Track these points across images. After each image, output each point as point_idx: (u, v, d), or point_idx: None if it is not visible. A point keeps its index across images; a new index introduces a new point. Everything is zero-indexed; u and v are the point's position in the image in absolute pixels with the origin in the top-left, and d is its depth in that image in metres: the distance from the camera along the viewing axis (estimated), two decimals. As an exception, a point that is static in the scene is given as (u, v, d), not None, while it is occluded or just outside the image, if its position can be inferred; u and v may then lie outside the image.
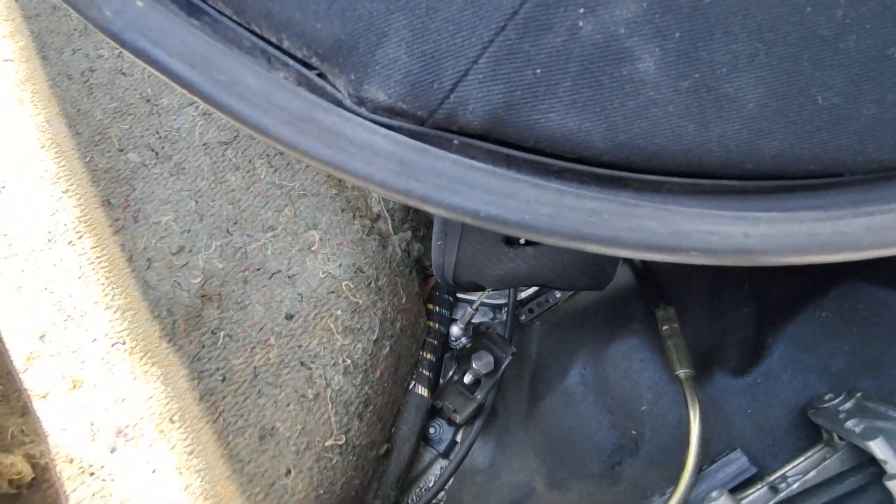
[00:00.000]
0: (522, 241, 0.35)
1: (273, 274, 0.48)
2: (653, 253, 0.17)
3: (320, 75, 0.17)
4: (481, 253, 0.36)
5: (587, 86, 0.16)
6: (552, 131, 0.16)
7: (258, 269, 0.48)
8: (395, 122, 0.17)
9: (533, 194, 0.17)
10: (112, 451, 0.43)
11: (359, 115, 0.17)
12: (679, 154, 0.17)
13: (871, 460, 0.29)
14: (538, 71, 0.15)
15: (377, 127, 0.17)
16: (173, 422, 0.44)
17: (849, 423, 0.32)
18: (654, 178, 0.18)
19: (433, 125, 0.17)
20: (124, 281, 0.48)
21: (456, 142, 0.17)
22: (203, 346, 0.46)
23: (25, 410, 0.42)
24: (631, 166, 0.17)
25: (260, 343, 0.46)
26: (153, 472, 0.43)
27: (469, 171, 0.17)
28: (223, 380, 0.45)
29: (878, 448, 0.26)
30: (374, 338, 0.50)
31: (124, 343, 0.46)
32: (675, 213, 0.18)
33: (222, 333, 0.46)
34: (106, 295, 0.47)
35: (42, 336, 0.45)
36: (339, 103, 0.17)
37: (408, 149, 0.16)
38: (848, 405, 0.35)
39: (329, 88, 0.17)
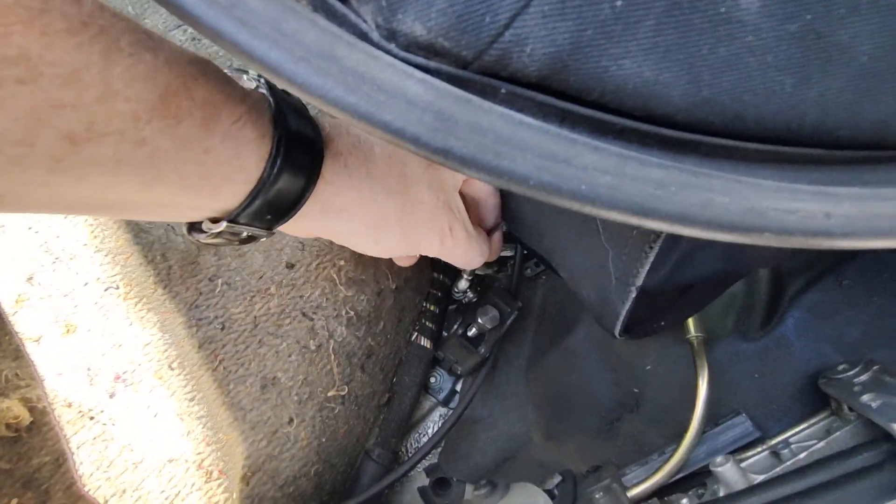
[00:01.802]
0: None
1: (272, 220, 0.46)
2: (722, 233, 0.15)
3: (342, 0, 0.14)
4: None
5: (674, 25, 0.13)
6: (623, 82, 0.14)
7: (256, 215, 0.46)
8: (433, 64, 0.14)
9: (591, 160, 0.14)
10: (111, 396, 0.42)
11: (388, 52, 0.14)
12: (767, 115, 0.14)
13: (887, 436, 0.29)
14: (618, 4, 0.12)
15: (410, 69, 0.14)
16: (172, 368, 0.43)
17: (864, 398, 0.32)
18: (728, 142, 0.15)
19: (479, 69, 0.14)
20: (114, 223, 0.45)
21: (503, 91, 0.14)
22: (200, 294, 0.44)
23: (18, 354, 0.41)
24: (707, 128, 0.15)
25: (260, 292, 0.45)
26: (154, 417, 0.42)
27: (518, 129, 0.14)
28: (222, 328, 0.44)
29: (903, 429, 0.25)
30: (379, 289, 0.49)
31: (118, 288, 0.44)
32: (750, 187, 0.15)
33: (220, 281, 0.45)
34: (95, 237, 0.44)
35: (30, 278, 0.43)
36: (363, 37, 0.14)
37: (447, 98, 0.14)
38: (864, 378, 0.34)
39: (352, 17, 0.14)
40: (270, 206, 0.24)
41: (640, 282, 0.27)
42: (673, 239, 0.26)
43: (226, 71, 0.24)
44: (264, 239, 0.45)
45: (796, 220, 0.15)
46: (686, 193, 0.15)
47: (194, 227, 0.26)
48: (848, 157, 0.17)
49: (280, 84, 0.14)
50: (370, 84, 0.13)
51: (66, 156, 0.17)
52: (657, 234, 0.26)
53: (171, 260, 0.44)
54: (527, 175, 0.14)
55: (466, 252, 0.35)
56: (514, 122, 0.14)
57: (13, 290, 0.42)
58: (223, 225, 0.25)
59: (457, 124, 0.14)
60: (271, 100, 0.24)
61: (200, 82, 0.20)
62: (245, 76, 0.25)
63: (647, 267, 0.27)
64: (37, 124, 0.16)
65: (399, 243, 0.31)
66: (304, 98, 0.14)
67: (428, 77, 0.14)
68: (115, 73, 0.17)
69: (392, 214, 0.29)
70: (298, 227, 0.27)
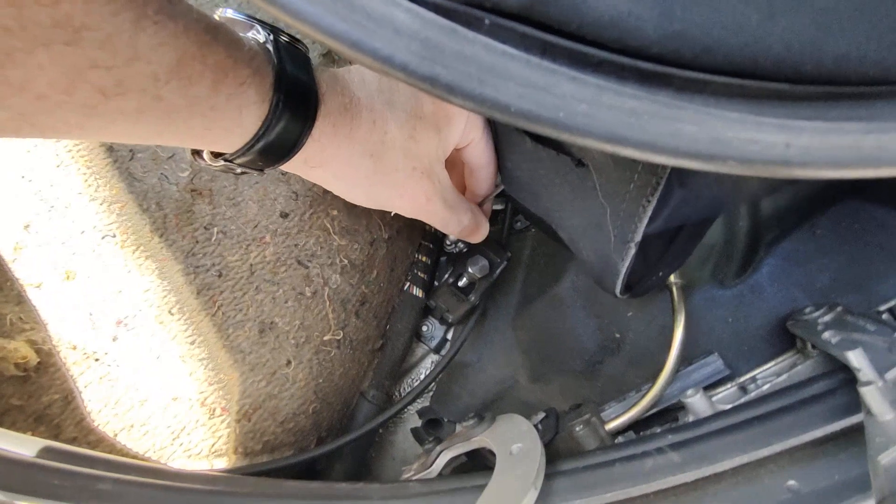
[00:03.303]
0: None
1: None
2: (688, 160, 0.16)
3: (331, -73, 0.14)
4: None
5: (648, -43, 0.13)
6: (600, 14, 0.14)
7: (249, 165, 0.46)
8: (419, -7, 0.15)
9: (569, 89, 0.15)
10: (114, 340, 0.44)
11: (376, -19, 0.14)
12: (735, 49, 0.15)
13: (842, 367, 0.31)
14: (595, -66, 0.13)
15: (398, -2, 0.14)
16: (172, 314, 0.45)
17: (826, 335, 0.34)
18: (698, 76, 0.16)
19: (464, 0, 0.15)
20: (107, 171, 0.45)
21: (487, 21, 0.15)
22: (197, 242, 0.45)
23: (20, 299, 0.42)
24: (679, 61, 0.16)
25: (255, 240, 0.46)
26: (157, 359, 0.44)
27: (501, 59, 0.15)
28: (219, 275, 0.45)
29: (854, 358, 0.27)
30: (371, 239, 0.50)
31: (114, 236, 0.45)
32: (716, 118, 0.16)
33: (216, 230, 0.45)
34: (89, 186, 0.45)
35: (27, 226, 0.44)
36: (353, -35, 0.14)
37: (433, 28, 0.14)
38: (827, 318, 0.37)
39: (341, -55, 0.14)
40: (262, 156, 0.28)
41: (639, 237, 0.28)
42: (667, 190, 0.27)
43: (236, 18, 0.28)
44: (259, 185, 0.46)
45: (758, 150, 0.17)
46: (657, 122, 0.16)
47: (197, 152, 0.30)
48: (811, 93, 0.18)
49: (274, 13, 0.14)
50: (360, 12, 0.14)
51: (98, 105, 0.20)
52: (654, 186, 0.27)
53: (166, 209, 0.45)
54: (508, 103, 0.15)
55: (443, 221, 0.38)
56: (496, 52, 0.15)
57: (10, 237, 0.42)
58: (221, 162, 0.29)
59: (443, 53, 0.14)
60: (275, 59, 0.26)
61: (213, 48, 0.23)
62: (254, 29, 0.28)
63: (645, 221, 0.28)
64: (77, 78, 0.19)
65: (365, 200, 0.35)
66: (297, 27, 0.14)
67: (414, 6, 0.14)
68: (141, 40, 0.20)
69: (362, 174, 0.32)
70: (282, 167, 0.31)
